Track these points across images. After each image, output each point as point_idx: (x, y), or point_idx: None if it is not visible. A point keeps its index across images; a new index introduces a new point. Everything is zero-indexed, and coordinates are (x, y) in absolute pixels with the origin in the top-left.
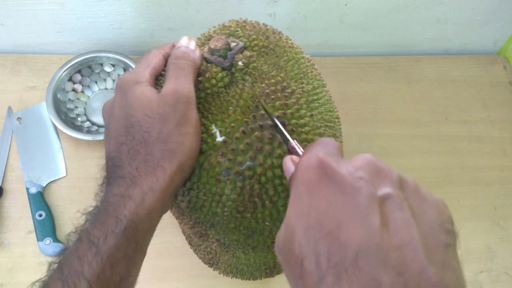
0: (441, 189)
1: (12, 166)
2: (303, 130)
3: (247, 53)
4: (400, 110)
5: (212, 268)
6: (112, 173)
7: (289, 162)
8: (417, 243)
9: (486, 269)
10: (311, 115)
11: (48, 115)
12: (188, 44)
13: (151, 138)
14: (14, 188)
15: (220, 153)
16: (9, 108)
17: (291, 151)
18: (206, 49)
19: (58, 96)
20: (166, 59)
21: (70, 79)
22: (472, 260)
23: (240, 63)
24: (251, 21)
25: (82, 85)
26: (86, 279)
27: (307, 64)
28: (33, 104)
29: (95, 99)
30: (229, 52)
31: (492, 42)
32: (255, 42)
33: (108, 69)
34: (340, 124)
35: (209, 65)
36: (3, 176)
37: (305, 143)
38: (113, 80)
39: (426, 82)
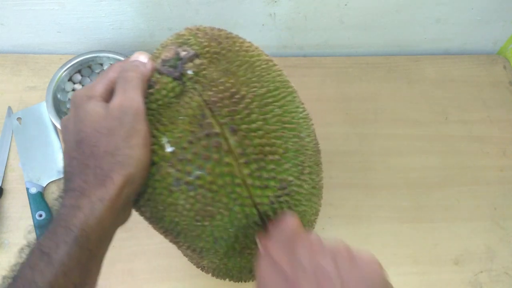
0: (441, 189)
1: (12, 166)
2: (255, 134)
3: (197, 61)
4: (400, 110)
5: (204, 271)
6: (65, 186)
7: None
8: None
9: (486, 269)
10: (264, 119)
11: (48, 115)
12: (138, 57)
13: (100, 152)
14: (14, 188)
15: (170, 164)
16: (9, 108)
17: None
18: (159, 60)
19: (58, 96)
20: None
21: (70, 79)
22: (472, 260)
23: (189, 72)
24: (205, 27)
25: (82, 85)
26: (37, 285)
27: (263, 66)
28: (33, 104)
29: None
30: (179, 62)
31: (492, 42)
32: (207, 49)
33: None
34: (310, 123)
35: (160, 76)
36: (3, 176)
37: (260, 147)
38: None
39: (426, 82)
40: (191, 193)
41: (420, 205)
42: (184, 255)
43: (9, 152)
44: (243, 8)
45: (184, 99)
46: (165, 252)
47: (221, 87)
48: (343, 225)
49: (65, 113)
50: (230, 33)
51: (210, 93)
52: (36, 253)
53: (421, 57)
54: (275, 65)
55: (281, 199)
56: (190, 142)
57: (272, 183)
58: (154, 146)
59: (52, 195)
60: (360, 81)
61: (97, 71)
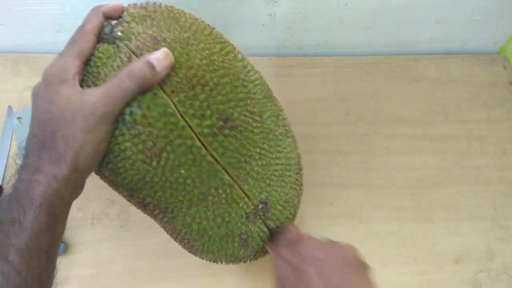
0: (441, 189)
1: (12, 166)
2: (179, 66)
3: (125, 24)
4: (400, 110)
5: (196, 255)
6: (22, 162)
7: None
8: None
9: (486, 269)
10: (187, 54)
11: None
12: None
13: (58, 135)
14: None
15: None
16: (9, 107)
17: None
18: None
19: None
20: (97, 35)
21: None
22: (472, 260)
23: (119, 33)
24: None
25: None
26: (15, 246)
27: (191, 21)
28: None
29: None
30: (110, 29)
31: (492, 42)
32: (135, 14)
33: None
34: (258, 75)
35: (98, 44)
36: (3, 175)
37: (186, 79)
38: None
39: (426, 82)
40: (132, 132)
41: (420, 205)
42: (166, 231)
43: (9, 151)
44: (243, 8)
45: (119, 56)
46: (165, 252)
47: (143, 35)
48: (343, 225)
49: None
50: (172, 7)
51: (135, 42)
52: (5, 221)
53: (421, 57)
54: (209, 26)
55: (226, 131)
56: None
57: (208, 112)
58: None
59: None
60: (360, 81)
61: None
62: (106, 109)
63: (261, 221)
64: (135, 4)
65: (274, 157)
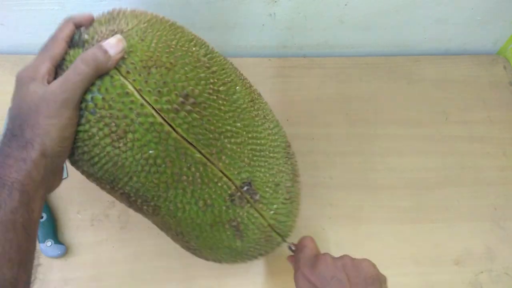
0: (441, 189)
1: None
2: (133, 51)
3: (91, 27)
4: (400, 110)
5: (197, 254)
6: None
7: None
8: None
9: (487, 269)
10: (142, 39)
11: None
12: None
13: (26, 125)
14: None
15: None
16: (10, 109)
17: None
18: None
19: None
20: (68, 42)
21: None
22: (472, 261)
23: (86, 36)
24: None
25: None
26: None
27: (147, 15)
28: None
29: None
30: (79, 35)
31: (492, 42)
32: (101, 19)
33: None
34: (227, 62)
35: (69, 49)
36: None
37: (141, 62)
38: None
39: (426, 82)
40: (96, 117)
41: (420, 205)
42: (161, 229)
43: None
44: (243, 8)
45: None
46: (165, 253)
47: (105, 32)
48: (343, 226)
49: None
50: (135, 10)
51: (97, 38)
52: None
53: (421, 57)
54: (176, 23)
55: (188, 107)
56: None
57: (165, 89)
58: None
59: (53, 196)
60: (360, 81)
61: None
62: (66, 95)
63: (249, 205)
64: (104, 12)
65: (250, 136)
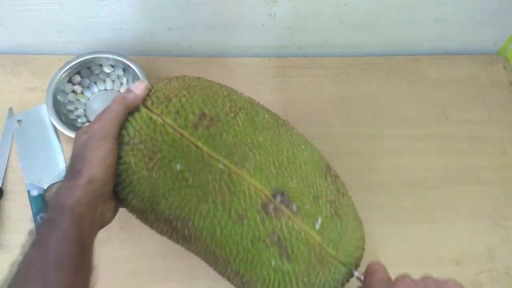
0: (441, 189)
1: (12, 167)
2: (159, 92)
3: None
4: (400, 110)
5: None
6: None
7: None
8: None
9: (487, 269)
10: (167, 83)
11: (48, 117)
12: (136, 87)
13: (76, 159)
14: (14, 190)
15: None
16: (10, 109)
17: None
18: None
19: (58, 97)
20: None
21: (69, 81)
22: (473, 260)
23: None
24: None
25: (82, 87)
26: (55, 234)
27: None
28: (33, 105)
29: (95, 100)
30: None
31: (492, 42)
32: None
33: (107, 70)
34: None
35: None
36: (4, 178)
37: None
38: (113, 81)
39: (426, 82)
40: (130, 147)
41: (420, 205)
42: (204, 257)
43: (9, 153)
44: (243, 8)
45: None
46: (165, 253)
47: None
48: None
49: (65, 115)
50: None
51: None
52: (44, 225)
53: (421, 57)
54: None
55: (205, 123)
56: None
57: (183, 111)
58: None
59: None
60: (360, 81)
61: (96, 72)
62: (104, 130)
63: (287, 217)
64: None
65: (274, 148)
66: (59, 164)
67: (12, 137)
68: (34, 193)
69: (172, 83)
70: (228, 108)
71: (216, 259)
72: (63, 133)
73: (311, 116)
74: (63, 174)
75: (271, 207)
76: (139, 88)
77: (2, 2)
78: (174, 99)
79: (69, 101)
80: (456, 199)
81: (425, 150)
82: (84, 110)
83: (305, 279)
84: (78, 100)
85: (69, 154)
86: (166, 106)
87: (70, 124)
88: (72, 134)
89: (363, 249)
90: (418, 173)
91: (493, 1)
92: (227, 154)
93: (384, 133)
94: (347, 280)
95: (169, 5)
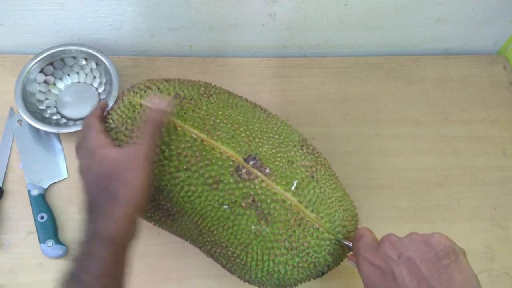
0: (441, 189)
1: (12, 167)
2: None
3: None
4: (400, 110)
5: (246, 266)
6: (86, 218)
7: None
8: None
9: (487, 269)
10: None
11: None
12: (157, 103)
13: (111, 182)
14: (14, 189)
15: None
16: (11, 109)
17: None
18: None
19: (27, 88)
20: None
21: (41, 71)
22: (473, 260)
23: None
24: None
25: (54, 77)
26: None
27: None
28: None
29: (67, 92)
30: None
31: (492, 42)
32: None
33: (80, 62)
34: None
35: None
36: (4, 177)
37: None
38: (86, 74)
39: (426, 82)
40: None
41: (420, 205)
42: (197, 243)
43: (10, 153)
44: (243, 8)
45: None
46: (165, 253)
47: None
48: None
49: (34, 104)
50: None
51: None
52: (86, 254)
53: (421, 57)
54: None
55: (182, 103)
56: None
57: (166, 97)
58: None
59: (54, 197)
60: (360, 81)
61: (70, 64)
62: (143, 152)
63: (260, 179)
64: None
65: (246, 121)
66: (60, 164)
67: (13, 137)
68: (34, 193)
69: (155, 80)
70: (202, 90)
71: (201, 235)
72: (63, 133)
73: (311, 116)
74: (82, 189)
75: (244, 170)
76: (161, 104)
77: (2, 2)
78: (153, 87)
79: (40, 91)
80: (456, 199)
81: (425, 150)
82: (55, 101)
83: (287, 244)
84: (49, 90)
85: (69, 154)
86: (145, 92)
87: (38, 113)
88: (37, 124)
89: (355, 221)
90: (418, 173)
91: (493, 1)
92: (198, 124)
93: (383, 132)
94: (338, 251)
95: (169, 5)
